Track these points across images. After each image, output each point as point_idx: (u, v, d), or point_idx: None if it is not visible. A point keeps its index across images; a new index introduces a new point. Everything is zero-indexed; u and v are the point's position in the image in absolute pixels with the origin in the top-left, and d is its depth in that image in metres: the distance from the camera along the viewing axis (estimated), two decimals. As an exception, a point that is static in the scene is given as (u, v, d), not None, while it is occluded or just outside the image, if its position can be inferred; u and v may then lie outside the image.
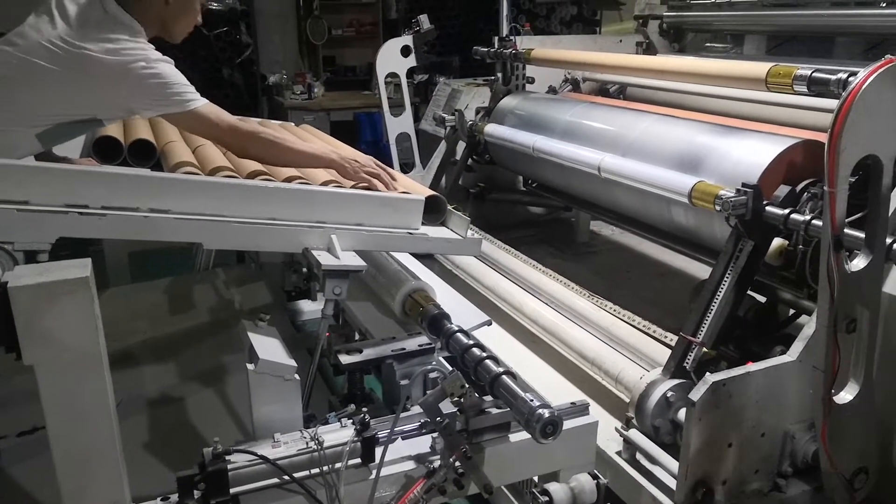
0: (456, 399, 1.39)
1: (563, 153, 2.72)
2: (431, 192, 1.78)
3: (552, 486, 1.24)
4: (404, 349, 1.63)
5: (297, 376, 1.43)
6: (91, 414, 1.21)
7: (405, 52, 3.80)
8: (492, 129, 3.24)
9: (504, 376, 1.42)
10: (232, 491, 1.33)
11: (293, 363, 1.42)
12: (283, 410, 1.42)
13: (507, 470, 1.52)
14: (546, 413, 1.31)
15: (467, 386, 1.38)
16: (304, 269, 2.92)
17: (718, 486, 1.72)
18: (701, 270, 2.78)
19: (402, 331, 1.87)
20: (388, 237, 1.65)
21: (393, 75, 3.94)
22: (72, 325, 1.11)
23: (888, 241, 1.56)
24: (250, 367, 1.40)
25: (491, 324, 1.82)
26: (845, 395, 1.61)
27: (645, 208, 2.55)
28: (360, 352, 1.62)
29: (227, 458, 1.33)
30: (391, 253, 2.09)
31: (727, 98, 2.72)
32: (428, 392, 1.48)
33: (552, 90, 3.66)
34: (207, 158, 1.88)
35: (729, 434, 1.71)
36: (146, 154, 2.11)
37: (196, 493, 1.32)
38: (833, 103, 1.89)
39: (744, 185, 1.95)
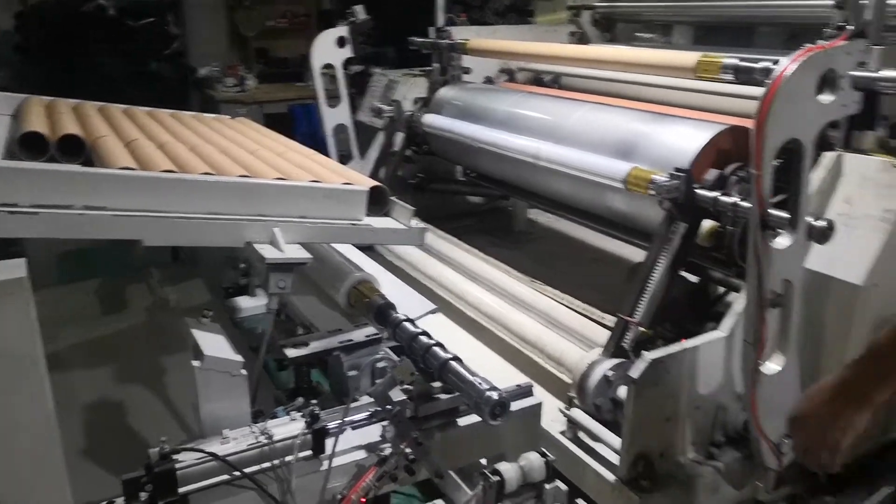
0: (406, 386, 1.41)
1: (501, 142, 2.76)
2: (374, 183, 1.78)
3: (502, 466, 1.28)
4: (351, 340, 1.64)
5: (244, 371, 1.42)
6: (30, 419, 1.18)
7: (341, 42, 3.77)
8: (430, 119, 3.25)
9: (452, 362, 1.44)
10: (181, 490, 1.32)
11: (240, 358, 1.41)
12: (230, 407, 1.41)
13: (456, 454, 1.55)
14: (494, 395, 1.34)
15: (416, 373, 1.40)
16: (243, 265, 2.88)
17: (657, 459, 1.80)
18: (635, 254, 2.87)
19: (348, 323, 1.87)
20: (332, 229, 1.65)
21: (328, 66, 3.90)
22: (8, 328, 1.08)
23: (809, 220, 1.65)
24: (196, 364, 1.39)
25: (437, 312, 1.85)
26: (772, 366, 1.70)
27: (581, 195, 2.61)
28: (307, 345, 1.62)
29: (175, 457, 1.31)
30: (333, 245, 2.08)
31: (658, 86, 2.81)
32: (377, 381, 1.50)
33: (489, 80, 3.70)
34: (142, 152, 1.84)
35: (667, 408, 1.79)
36: (75, 150, 2.03)
37: (143, 496, 1.30)
38: (757, 90, 2.00)
39: (676, 169, 2.02)
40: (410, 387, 1.44)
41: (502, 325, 2.48)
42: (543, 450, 1.38)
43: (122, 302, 2.86)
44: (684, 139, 2.22)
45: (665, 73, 2.45)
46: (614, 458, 1.84)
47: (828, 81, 1.58)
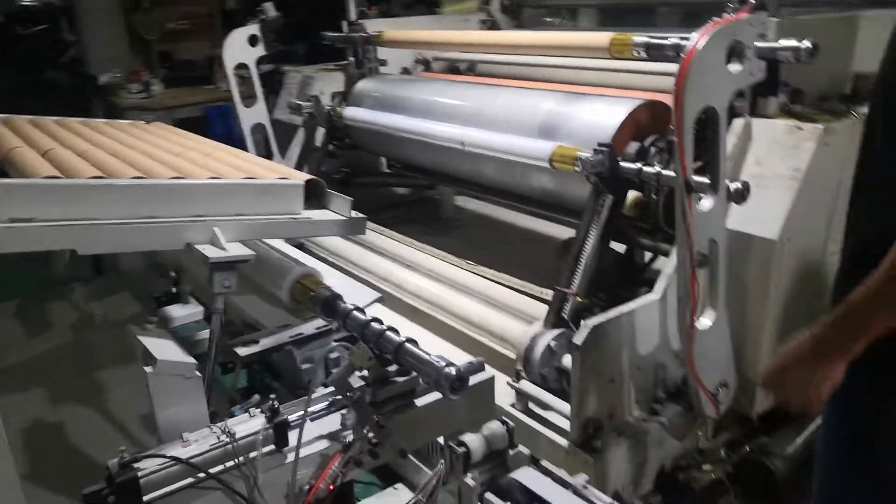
0: (363, 372, 1.43)
1: (426, 131, 2.79)
2: (309, 176, 1.78)
3: (467, 437, 1.32)
4: (302, 334, 1.64)
5: (198, 373, 1.41)
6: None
7: (253, 41, 3.71)
8: (351, 112, 3.25)
9: (407, 344, 1.47)
10: (145, 498, 1.29)
11: (192, 360, 1.40)
12: (187, 410, 1.39)
13: (417, 433, 1.58)
14: (452, 371, 1.38)
15: (373, 358, 1.43)
16: (173, 274, 2.81)
17: (606, 420, 1.89)
18: (563, 232, 2.97)
19: (294, 318, 1.87)
20: (271, 224, 1.65)
21: (242, 66, 3.82)
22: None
23: (727, 183, 1.76)
24: (148, 370, 1.36)
25: (383, 300, 1.87)
26: (704, 322, 1.81)
27: (509, 177, 2.67)
28: (257, 342, 1.61)
29: (136, 465, 1.29)
30: (268, 243, 2.07)
31: (574, 68, 2.90)
32: (332, 371, 1.51)
33: (406, 71, 3.73)
34: (63, 161, 1.77)
35: (610, 371, 1.87)
36: (-15, 164, 1.94)
37: (106, 508, 1.27)
38: (668, 66, 2.12)
39: (600, 144, 2.11)
40: (367, 372, 1.46)
41: (444, 310, 2.52)
42: (503, 418, 1.43)
43: (46, 322, 2.73)
44: (604, 116, 2.32)
45: (580, 54, 2.55)
46: (565, 424, 1.91)
47: (735, 52, 1.68)
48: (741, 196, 1.80)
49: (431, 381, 1.41)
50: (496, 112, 2.69)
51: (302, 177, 1.75)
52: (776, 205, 1.94)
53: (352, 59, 3.56)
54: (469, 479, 1.28)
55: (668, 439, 2.00)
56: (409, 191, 4.02)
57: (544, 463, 1.33)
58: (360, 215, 1.74)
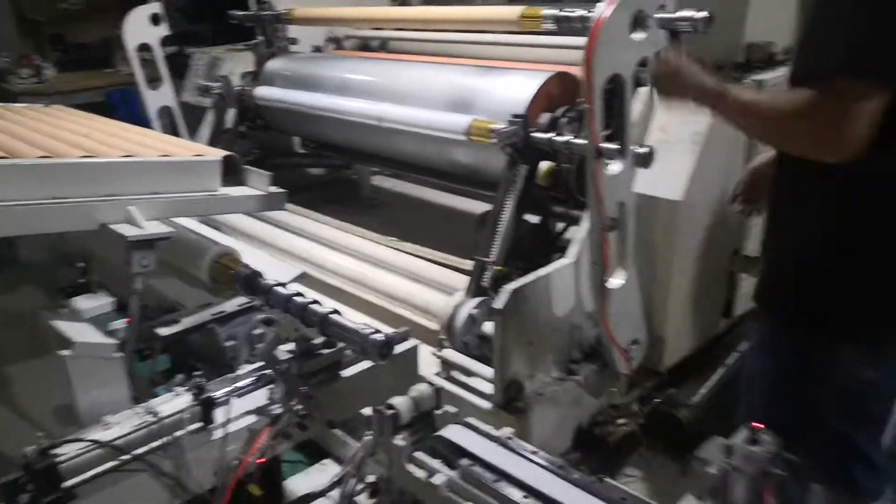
0: (289, 345, 1.43)
1: (341, 108, 2.78)
2: (225, 153, 1.75)
3: (394, 400, 1.34)
4: (224, 312, 1.62)
5: (118, 354, 1.37)
6: None
7: (155, 20, 3.57)
8: (263, 91, 3.19)
9: (333, 315, 1.48)
10: (65, 485, 1.26)
11: (112, 340, 1.36)
12: (109, 392, 1.36)
13: (344, 405, 1.59)
14: (380, 337, 1.41)
15: (299, 329, 1.43)
16: (81, 264, 2.70)
17: (527, 381, 1.96)
18: (480, 208, 3.02)
19: (215, 299, 1.84)
20: (189, 202, 1.61)
21: (144, 47, 3.68)
22: None
23: (634, 148, 1.84)
24: (66, 353, 1.32)
25: (304, 275, 1.86)
26: (616, 282, 1.90)
27: (427, 152, 2.70)
28: (178, 322, 1.58)
29: (55, 451, 1.26)
30: (184, 225, 2.02)
31: (485, 43, 2.95)
32: (257, 347, 1.50)
33: (317, 50, 3.68)
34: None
35: (529, 334, 1.94)
36: None
37: (25, 497, 1.23)
38: (576, 40, 2.19)
39: (514, 116, 2.16)
40: (294, 345, 1.46)
41: (366, 287, 2.54)
42: (430, 381, 1.47)
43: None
44: (516, 88, 2.38)
45: (492, 28, 2.59)
46: (488, 388, 1.97)
47: (638, 21, 1.76)
48: (647, 161, 1.90)
49: (359, 349, 1.43)
50: (410, 87, 2.70)
51: (218, 153, 1.72)
52: (679, 168, 2.05)
53: (261, 38, 3.48)
54: (398, 440, 1.31)
55: (584, 397, 2.09)
56: (325, 171, 3.98)
57: (470, 420, 1.37)
58: (280, 190, 1.73)
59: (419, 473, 1.26)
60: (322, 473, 1.99)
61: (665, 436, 2.18)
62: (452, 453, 1.27)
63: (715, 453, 0.93)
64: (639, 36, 1.79)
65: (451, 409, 1.38)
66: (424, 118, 2.51)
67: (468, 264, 2.37)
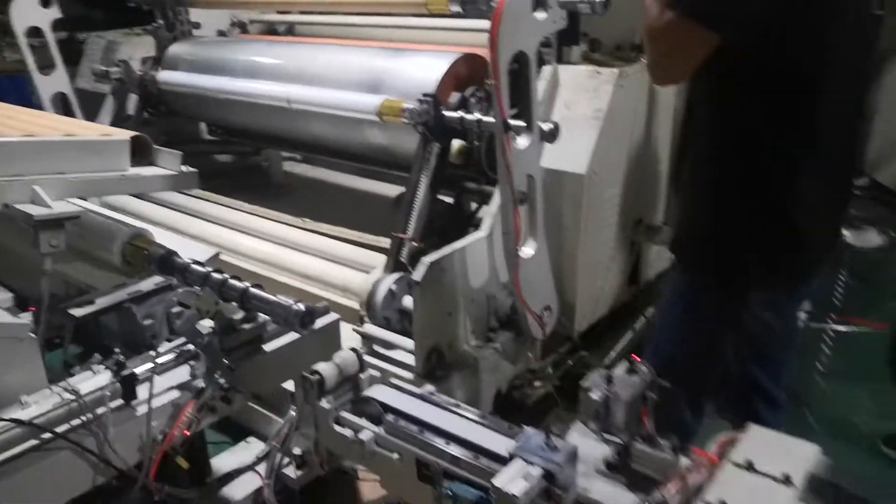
0: (210, 319, 1.44)
1: (250, 91, 2.76)
2: (134, 133, 1.72)
3: (319, 366, 1.37)
4: (140, 291, 1.60)
5: (32, 334, 1.34)
6: None
7: (46, 2, 3.41)
8: (168, 76, 3.11)
9: (253, 288, 1.50)
10: (-19, 467, 1.23)
11: (26, 320, 1.33)
12: (24, 373, 1.33)
13: (268, 378, 1.61)
14: (301, 307, 1.44)
15: (220, 301, 1.44)
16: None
17: (446, 350, 2.03)
18: (393, 191, 3.06)
19: (127, 280, 1.81)
20: (98, 181, 1.58)
21: (34, 31, 3.50)
22: None
23: (540, 124, 1.94)
24: (-26, 335, 1.28)
25: (220, 255, 1.86)
26: (527, 251, 1.99)
27: (340, 134, 2.71)
28: (92, 302, 1.55)
29: (-32, 434, 1.22)
30: (92, 209, 1.97)
31: (392, 27, 2.98)
32: (179, 320, 1.50)
33: (221, 34, 3.61)
34: None
35: (447, 304, 2.01)
36: None
37: (-63, 483, 1.20)
38: (480, 23, 2.27)
39: (424, 95, 2.22)
40: (214, 321, 1.47)
41: (283, 269, 2.54)
42: (353, 347, 1.51)
43: None
44: (426, 69, 2.43)
45: (399, 11, 2.63)
46: (410, 359, 2.03)
47: (540, 2, 1.85)
48: (552, 136, 1.99)
49: (281, 320, 1.46)
50: (320, 70, 2.71)
51: (126, 133, 1.69)
52: (583, 142, 2.17)
53: (161, 21, 3.39)
54: (324, 403, 1.35)
55: (502, 364, 2.18)
56: (234, 158, 3.91)
57: (394, 380, 1.42)
58: (191, 169, 1.72)
59: (347, 433, 1.30)
60: (247, 451, 2.01)
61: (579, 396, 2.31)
62: (377, 411, 1.31)
63: (598, 382, 1.03)
64: (541, 15, 1.88)
65: (374, 372, 1.43)
66: (334, 99, 2.53)
67: (384, 243, 2.42)
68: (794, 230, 1.40)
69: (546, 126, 1.97)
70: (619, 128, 2.23)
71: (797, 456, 0.97)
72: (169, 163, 1.69)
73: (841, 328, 2.86)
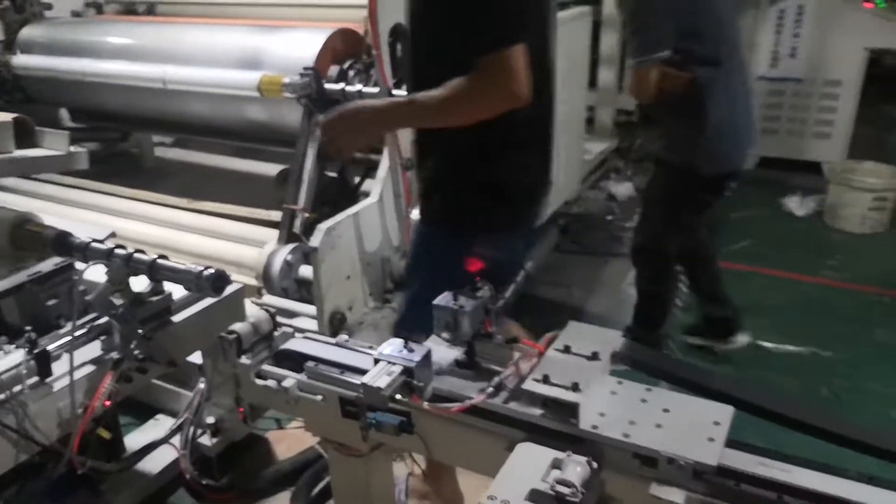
0: (122, 290, 1.47)
1: (122, 73, 2.70)
2: (14, 115, 1.69)
3: (235, 325, 1.45)
4: (41, 272, 1.59)
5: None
6: None
7: None
8: (25, 61, 2.97)
9: (160, 259, 1.54)
10: None
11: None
12: (-72, 359, 1.32)
13: (181, 346, 1.66)
14: (211, 271, 1.50)
15: (130, 275, 1.48)
16: None
17: (347, 312, 2.14)
18: (272, 169, 3.08)
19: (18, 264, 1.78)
20: (-15, 164, 1.55)
21: None
22: None
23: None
24: None
25: (115, 235, 1.86)
26: (416, 213, 2.13)
27: (219, 113, 2.73)
28: (-9, 286, 1.53)
29: None
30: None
31: (258, 5, 3.00)
32: (91, 294, 1.51)
33: (77, 15, 3.46)
34: None
35: (345, 269, 2.12)
36: None
37: None
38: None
39: (305, 68, 2.29)
40: (123, 294, 1.50)
41: (173, 251, 2.53)
42: (265, 308, 1.59)
43: None
44: (303, 44, 2.50)
45: (270, -12, 2.66)
46: (313, 325, 2.12)
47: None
48: (432, 104, 2.13)
49: (193, 286, 1.51)
50: (193, 49, 2.70)
51: (7, 115, 1.66)
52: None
53: (8, 2, 3.21)
54: (244, 360, 1.43)
55: (400, 321, 2.32)
56: (101, 146, 3.76)
57: (308, 334, 1.52)
58: (80, 149, 1.71)
59: (271, 384, 1.39)
60: (157, 427, 2.04)
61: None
62: (297, 361, 1.41)
63: (447, 299, 1.22)
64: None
65: (287, 329, 1.52)
66: (212, 77, 2.54)
67: (272, 217, 2.48)
68: (508, 187, 1.61)
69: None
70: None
71: (604, 340, 1.20)
72: (56, 143, 1.68)
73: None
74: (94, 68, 2.75)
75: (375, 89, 2.21)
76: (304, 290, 2.28)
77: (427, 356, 1.20)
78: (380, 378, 1.15)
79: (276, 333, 1.52)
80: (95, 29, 3.04)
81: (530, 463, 1.04)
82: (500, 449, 1.14)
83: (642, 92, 2.15)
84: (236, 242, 2.51)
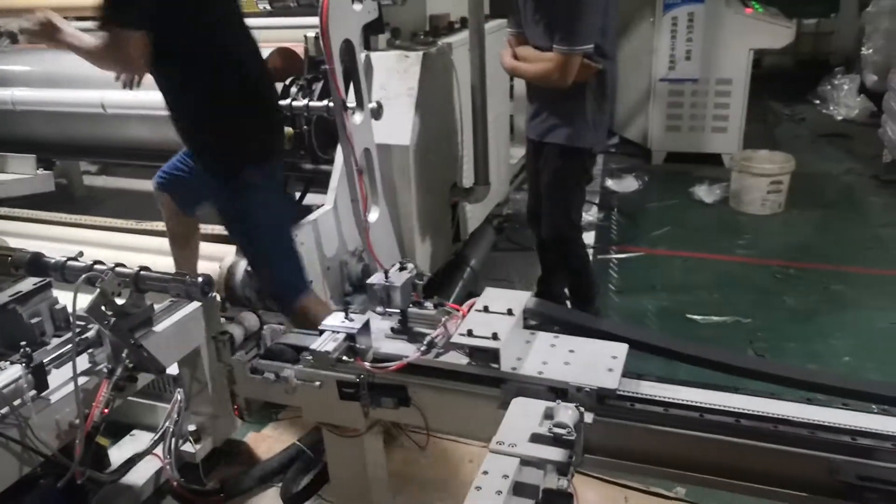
0: (108, 301, 1.52)
1: (56, 99, 2.68)
2: (-23, 140, 1.70)
3: (227, 326, 1.52)
4: (21, 291, 1.61)
5: (-71, 340, 1.34)
6: None
7: None
8: (-54, 92, 2.89)
9: (143, 271, 1.60)
10: None
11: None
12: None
13: (163, 355, 1.71)
14: (200, 278, 1.57)
15: (123, 283, 1.53)
16: None
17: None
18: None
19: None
20: (-45, 190, 1.56)
21: None
22: None
23: (371, 104, 2.20)
24: None
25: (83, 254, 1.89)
26: (373, 216, 2.25)
27: (158, 136, 2.73)
28: (-28, 309, 1.54)
29: None
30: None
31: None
32: (84, 305, 1.54)
33: (-7, 45, 3.38)
34: None
35: (308, 273, 2.20)
36: None
37: None
38: (285, 20, 2.48)
39: (252, 86, 2.37)
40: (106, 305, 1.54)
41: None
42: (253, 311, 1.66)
43: None
44: (244, 64, 2.56)
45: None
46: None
47: (355, -4, 2.10)
48: (378, 113, 2.27)
49: (183, 293, 1.58)
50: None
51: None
52: (402, 119, 2.46)
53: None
54: (238, 357, 1.50)
55: (361, 321, 2.41)
56: (24, 177, 3.67)
57: (294, 331, 1.61)
58: (47, 171, 1.74)
59: (269, 376, 1.47)
60: (135, 442, 2.05)
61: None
62: (291, 354, 1.50)
63: (379, 277, 1.44)
64: (358, 7, 2.14)
65: (276, 326, 1.60)
66: (154, 99, 2.56)
67: (219, 231, 2.52)
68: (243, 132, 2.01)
69: (372, 105, 2.24)
70: (428, 103, 2.56)
71: (517, 299, 1.38)
72: (23, 167, 1.71)
73: (620, 256, 3.48)
74: (22, 96, 2.71)
75: (321, 103, 2.32)
76: (266, 299, 2.34)
77: (366, 324, 1.37)
78: (326, 343, 1.32)
79: (264, 332, 1.61)
80: (14, 58, 2.98)
81: (526, 413, 1.19)
82: (493, 409, 1.28)
83: (564, 77, 2.29)
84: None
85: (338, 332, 1.35)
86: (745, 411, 1.16)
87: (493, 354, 1.24)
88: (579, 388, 1.19)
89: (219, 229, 2.62)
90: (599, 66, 2.34)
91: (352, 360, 1.33)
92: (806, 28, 7.30)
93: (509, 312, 1.34)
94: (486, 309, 1.36)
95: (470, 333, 1.27)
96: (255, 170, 2.00)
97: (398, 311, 1.42)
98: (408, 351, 1.34)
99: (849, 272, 3.26)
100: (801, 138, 5.37)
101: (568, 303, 2.78)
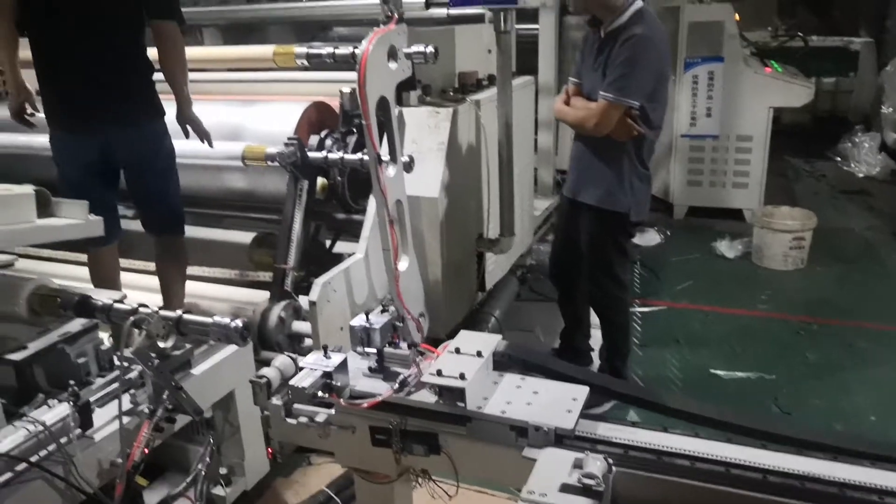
0: (160, 340, 1.59)
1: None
2: (34, 187, 1.80)
3: (264, 370, 1.57)
4: (69, 332, 1.68)
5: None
6: None
7: None
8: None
9: (186, 314, 1.67)
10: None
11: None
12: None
13: (201, 397, 1.77)
14: (239, 323, 1.63)
15: (168, 325, 1.59)
16: None
17: (343, 362, 2.27)
18: (238, 237, 3.16)
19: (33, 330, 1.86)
20: (10, 232, 1.65)
21: None
22: None
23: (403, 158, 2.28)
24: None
25: (126, 297, 1.96)
26: (403, 265, 2.31)
27: (198, 183, 2.85)
28: (26, 347, 1.61)
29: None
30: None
31: (235, 81, 3.18)
32: (130, 347, 1.61)
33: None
34: None
35: (337, 320, 2.26)
36: None
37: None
38: (322, 74, 2.59)
39: (289, 138, 2.48)
40: (150, 347, 1.61)
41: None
42: (287, 354, 1.71)
43: None
44: (281, 116, 2.69)
45: (250, 65, 2.86)
46: (309, 375, 2.24)
47: (392, 54, 2.20)
48: (410, 167, 2.34)
49: (223, 337, 1.64)
50: (172, 123, 2.83)
51: (28, 187, 1.76)
52: (432, 171, 2.55)
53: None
54: (275, 401, 1.55)
55: (388, 367, 2.46)
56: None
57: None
58: (97, 217, 1.82)
59: (303, 419, 1.52)
60: (167, 484, 2.09)
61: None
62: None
63: (361, 319, 1.53)
64: (393, 65, 2.24)
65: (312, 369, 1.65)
66: (196, 149, 2.68)
67: (251, 277, 2.60)
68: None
69: (405, 158, 2.32)
70: (457, 157, 2.65)
71: (487, 342, 1.46)
72: (75, 213, 1.80)
73: (643, 309, 3.50)
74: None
75: (356, 156, 2.42)
76: (296, 344, 2.40)
77: (343, 363, 1.45)
78: (304, 380, 1.40)
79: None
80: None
81: (556, 463, 1.22)
82: (522, 459, 1.31)
83: (601, 125, 2.36)
84: (224, 302, 2.62)
85: (315, 370, 1.42)
86: (772, 467, 1.19)
87: (460, 393, 1.31)
88: (537, 427, 1.25)
89: (253, 275, 2.71)
90: (641, 129, 2.40)
91: (326, 395, 1.40)
92: (825, 86, 7.40)
93: (479, 354, 1.41)
94: (457, 350, 1.44)
95: (439, 373, 1.34)
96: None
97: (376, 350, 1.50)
98: (382, 389, 1.41)
99: (871, 329, 3.26)
100: (822, 194, 5.41)
101: (594, 355, 2.80)
